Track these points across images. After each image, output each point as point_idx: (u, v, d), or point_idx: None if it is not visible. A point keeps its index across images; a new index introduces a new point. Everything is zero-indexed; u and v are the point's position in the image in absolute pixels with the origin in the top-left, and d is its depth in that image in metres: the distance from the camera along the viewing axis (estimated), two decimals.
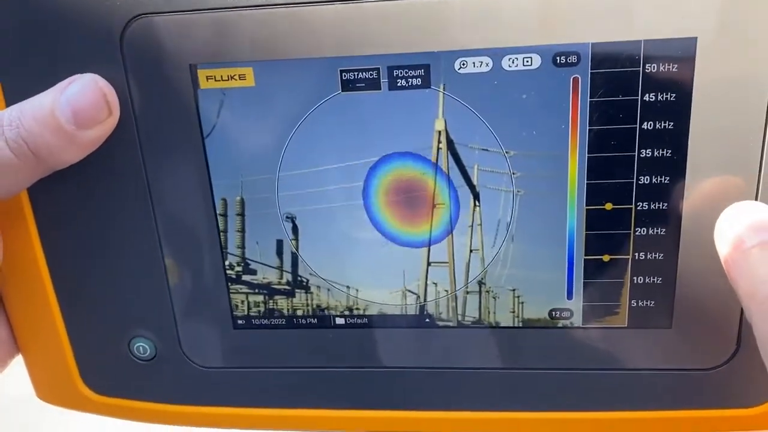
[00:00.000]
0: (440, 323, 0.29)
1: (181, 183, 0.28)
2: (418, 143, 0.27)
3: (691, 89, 0.25)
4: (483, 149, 0.26)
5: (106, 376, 0.32)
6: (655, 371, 0.29)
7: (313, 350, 0.30)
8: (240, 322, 0.30)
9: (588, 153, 0.26)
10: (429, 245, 0.28)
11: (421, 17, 0.25)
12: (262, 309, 0.30)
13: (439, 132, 0.26)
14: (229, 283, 0.30)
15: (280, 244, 0.29)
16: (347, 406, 0.31)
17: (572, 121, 0.26)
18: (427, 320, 0.29)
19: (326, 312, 0.30)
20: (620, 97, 0.25)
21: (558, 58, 0.25)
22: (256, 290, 0.30)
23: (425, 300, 0.29)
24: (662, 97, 0.25)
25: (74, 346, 0.31)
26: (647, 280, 0.27)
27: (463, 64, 0.25)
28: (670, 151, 0.25)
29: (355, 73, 0.26)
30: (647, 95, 0.25)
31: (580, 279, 0.28)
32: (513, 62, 0.25)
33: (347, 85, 0.26)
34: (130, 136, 0.27)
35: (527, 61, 0.25)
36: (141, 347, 0.31)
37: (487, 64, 0.25)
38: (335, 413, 0.31)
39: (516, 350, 0.29)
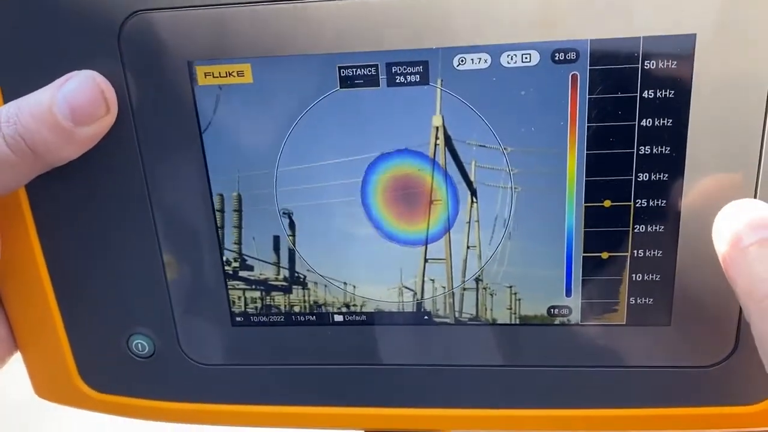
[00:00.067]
0: (437, 320, 0.29)
1: (179, 179, 0.28)
2: (416, 140, 0.27)
3: (690, 86, 0.24)
4: (481, 145, 0.26)
5: (105, 373, 0.32)
6: (653, 368, 0.29)
7: (311, 347, 0.30)
8: (238, 319, 0.30)
9: (587, 150, 0.26)
10: (426, 242, 0.28)
11: (419, 14, 0.25)
12: (259, 305, 0.30)
13: (437, 128, 0.26)
14: (227, 279, 0.30)
15: (276, 240, 0.29)
16: (345, 403, 0.31)
17: (571, 117, 0.25)
18: (425, 317, 0.29)
19: (324, 309, 0.30)
20: (619, 94, 0.25)
21: (557, 54, 0.25)
22: (253, 286, 0.30)
23: (422, 297, 0.29)
24: (661, 94, 0.25)
25: (72, 344, 0.31)
26: (646, 277, 0.27)
27: (462, 61, 0.25)
28: (668, 149, 0.25)
29: (354, 70, 0.26)
30: (646, 92, 0.25)
31: (578, 276, 0.28)
32: (512, 59, 0.25)
33: (345, 82, 0.26)
34: (127, 133, 0.27)
35: (526, 58, 0.25)
36: (139, 344, 0.31)
37: (485, 61, 0.25)
38: (333, 410, 0.31)
39: (514, 347, 0.29)
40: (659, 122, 0.25)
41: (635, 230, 0.27)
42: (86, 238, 0.29)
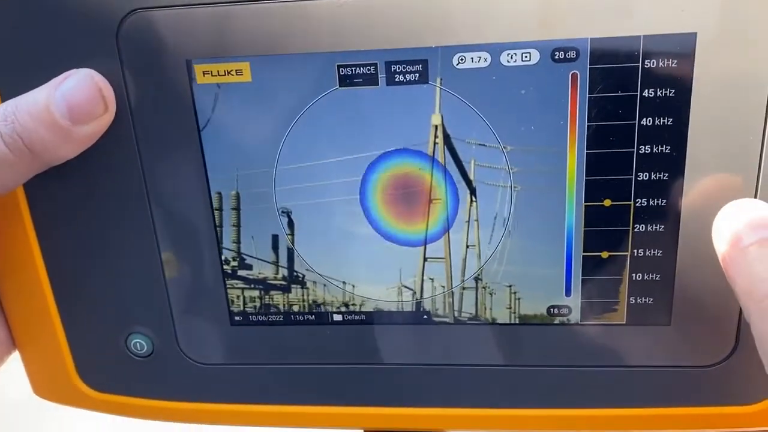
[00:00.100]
0: (437, 320, 0.29)
1: (178, 178, 0.28)
2: (415, 138, 0.27)
3: (691, 85, 0.24)
4: (480, 144, 0.26)
5: (103, 372, 0.32)
6: (653, 368, 0.29)
7: (310, 347, 0.30)
8: (237, 318, 0.30)
9: (587, 149, 0.26)
10: (425, 241, 0.28)
11: (419, 12, 0.25)
12: (258, 305, 0.30)
13: (436, 127, 0.26)
14: (225, 278, 0.30)
15: (275, 239, 0.29)
16: (344, 402, 0.31)
17: (571, 116, 0.25)
18: (424, 317, 0.29)
19: (323, 308, 0.30)
20: (619, 93, 0.25)
21: (557, 53, 0.25)
22: (252, 285, 0.30)
23: (422, 296, 0.29)
24: (661, 93, 0.25)
25: (71, 343, 0.31)
26: (646, 277, 0.27)
27: (461, 60, 0.25)
28: (669, 148, 0.25)
29: (353, 69, 0.26)
30: (646, 91, 0.25)
31: (578, 276, 0.28)
32: (511, 58, 0.25)
33: (344, 81, 0.26)
34: (126, 132, 0.27)
35: (526, 57, 0.25)
36: (138, 343, 0.31)
37: (485, 60, 0.25)
38: (332, 410, 0.31)
39: (514, 347, 0.29)
40: (659, 121, 0.25)
41: (635, 230, 0.27)
42: (85, 237, 0.29)
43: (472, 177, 0.27)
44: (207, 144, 0.27)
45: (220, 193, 0.28)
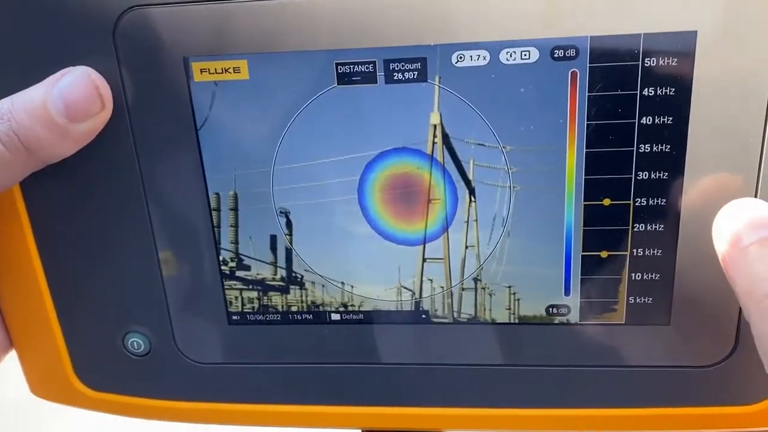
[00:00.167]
0: (436, 320, 0.29)
1: (175, 177, 0.28)
2: (414, 137, 0.26)
3: (691, 84, 0.24)
4: (479, 144, 0.26)
5: (101, 371, 0.32)
6: (652, 368, 0.28)
7: (309, 346, 0.30)
8: (235, 318, 0.30)
9: (586, 148, 0.26)
10: (424, 241, 0.28)
11: (417, 10, 0.24)
12: (256, 305, 0.30)
13: (435, 126, 0.26)
14: (223, 279, 0.29)
15: (273, 239, 0.29)
16: (343, 402, 0.31)
17: (570, 115, 0.25)
18: (423, 317, 0.29)
19: (321, 308, 0.30)
20: (619, 92, 0.25)
21: (556, 51, 0.25)
22: (250, 286, 0.30)
23: (420, 296, 0.29)
24: (661, 92, 0.25)
25: (68, 342, 0.31)
26: (645, 276, 0.27)
27: (460, 58, 0.25)
28: (669, 147, 0.25)
29: (351, 66, 0.26)
30: (646, 90, 0.25)
31: (577, 275, 0.28)
32: (511, 56, 0.25)
33: (343, 79, 0.26)
34: (123, 130, 0.27)
35: (525, 55, 0.25)
36: (135, 342, 0.31)
37: (484, 58, 0.25)
38: (331, 409, 0.31)
39: (513, 347, 0.29)
40: (659, 120, 0.25)
41: (635, 229, 0.27)
42: (82, 236, 0.29)
43: (471, 177, 0.27)
44: (204, 143, 0.27)
45: (218, 194, 0.28)
